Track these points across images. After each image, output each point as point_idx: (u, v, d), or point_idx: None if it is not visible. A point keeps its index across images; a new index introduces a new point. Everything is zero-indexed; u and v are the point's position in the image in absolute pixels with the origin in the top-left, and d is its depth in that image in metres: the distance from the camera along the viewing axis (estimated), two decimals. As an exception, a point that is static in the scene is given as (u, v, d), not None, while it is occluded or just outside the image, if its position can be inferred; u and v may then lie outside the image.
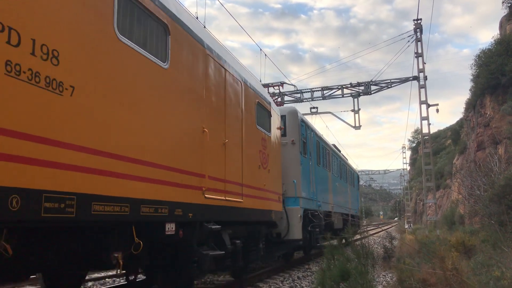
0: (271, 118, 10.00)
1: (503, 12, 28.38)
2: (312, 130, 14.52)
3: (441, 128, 73.84)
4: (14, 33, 3.25)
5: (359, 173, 41.47)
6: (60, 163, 3.61)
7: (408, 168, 72.81)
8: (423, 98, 23.08)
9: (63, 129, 3.67)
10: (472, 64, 26.87)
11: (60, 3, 3.76)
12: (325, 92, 25.74)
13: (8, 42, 3.20)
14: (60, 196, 3.59)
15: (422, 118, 23.36)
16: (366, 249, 8.41)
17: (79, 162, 3.83)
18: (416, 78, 23.40)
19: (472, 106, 27.98)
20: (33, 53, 3.40)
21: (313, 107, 25.68)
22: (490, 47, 25.56)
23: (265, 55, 17.65)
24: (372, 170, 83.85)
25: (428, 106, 23.10)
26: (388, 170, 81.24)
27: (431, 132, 25.85)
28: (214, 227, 6.47)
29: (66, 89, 3.72)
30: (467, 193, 18.42)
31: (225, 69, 7.31)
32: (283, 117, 11.85)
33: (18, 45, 3.28)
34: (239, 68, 8.26)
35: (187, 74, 5.98)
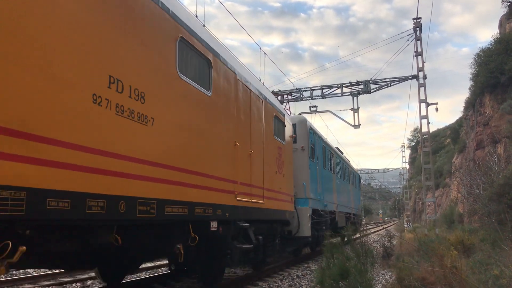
0: (285, 128, 11.20)
1: (503, 11, 28.37)
2: (319, 136, 15.68)
3: (441, 127, 73.88)
4: (120, 83, 4.42)
5: (359, 172, 41.49)
6: (147, 177, 4.79)
7: (408, 167, 72.84)
8: (422, 97, 23.06)
9: (148, 151, 4.86)
10: (472, 63, 26.87)
11: (145, 54, 4.95)
12: (324, 91, 25.72)
13: (117, 90, 4.36)
14: (147, 201, 4.75)
15: (422, 117, 23.35)
16: (366, 247, 8.42)
17: (159, 175, 5.03)
18: (415, 77, 23.38)
19: (471, 105, 27.97)
20: (130, 96, 4.58)
21: (313, 106, 25.71)
22: (489, 46, 25.56)
23: (265, 53, 17.63)
24: (371, 169, 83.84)
25: (428, 105, 23.08)
26: (388, 169, 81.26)
27: (431, 131, 25.84)
28: (244, 224, 7.82)
29: (149, 120, 4.91)
30: (466, 192, 18.44)
31: (250, 89, 8.50)
32: (293, 126, 12.86)
33: (122, 91, 4.45)
34: (259, 86, 9.59)
35: (224, 98, 7.19)
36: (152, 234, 5.75)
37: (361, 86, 24.75)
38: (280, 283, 9.66)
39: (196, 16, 9.48)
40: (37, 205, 3.35)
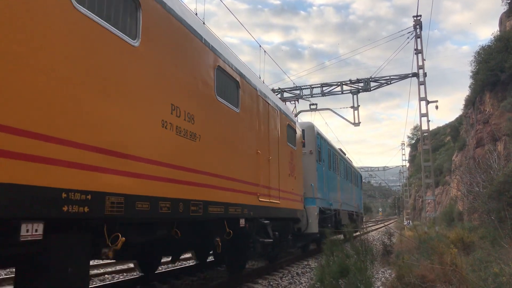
0: (296, 134, 12.33)
1: (503, 8, 28.32)
2: (325, 140, 16.92)
3: (441, 124, 73.86)
4: (178, 109, 5.52)
5: (359, 170, 41.56)
6: (197, 183, 5.96)
7: (407, 165, 72.83)
8: (422, 95, 23.01)
9: (197, 162, 5.99)
10: (472, 60, 26.86)
11: (193, 83, 6.07)
12: (324, 88, 25.64)
13: (176, 115, 5.46)
14: (197, 202, 5.89)
15: (422, 115, 23.30)
16: (365, 245, 8.41)
17: (204, 181, 6.19)
18: (415, 74, 23.34)
19: (471, 103, 27.98)
20: (184, 119, 5.68)
21: (312, 104, 25.67)
22: (489, 43, 25.53)
23: (265, 51, 17.60)
24: (371, 167, 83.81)
25: (428, 102, 23.04)
26: (387, 166, 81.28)
27: (431, 129, 25.79)
28: (265, 221, 9.07)
29: (197, 137, 6.03)
30: (466, 189, 18.46)
31: (268, 103, 9.63)
32: (302, 131, 13.86)
33: (179, 116, 5.56)
34: (275, 99, 10.80)
35: (249, 113, 8.33)
36: (198, 230, 6.97)
37: (361, 84, 24.70)
38: (280, 280, 9.66)
39: (196, 14, 9.46)
40: (131, 207, 4.44)
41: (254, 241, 8.58)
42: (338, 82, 25.36)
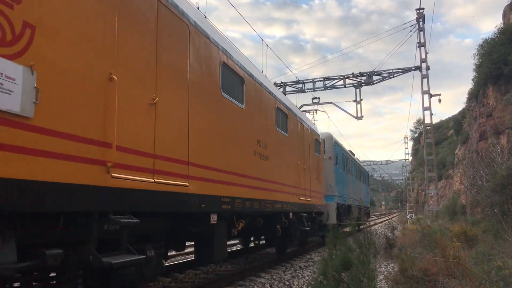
0: (320, 145, 15.30)
1: (507, 1, 28.04)
2: (340, 146, 20.19)
3: (443, 118, 73.61)
4: (260, 141, 8.42)
5: (362, 163, 41.61)
6: (268, 188, 8.75)
7: (410, 158, 72.71)
8: (425, 88, 22.96)
9: (268, 175, 8.82)
10: (475, 53, 26.67)
11: (266, 121, 9.02)
12: (327, 82, 25.60)
13: (259, 146, 8.40)
14: (269, 201, 8.73)
15: (424, 108, 23.25)
16: (368, 239, 8.42)
17: (272, 187, 9.01)
18: (418, 68, 23.27)
19: (474, 96, 27.82)
20: (263, 147, 8.55)
21: (315, 98, 25.63)
22: (493, 36, 25.34)
23: (267, 45, 17.55)
24: (374, 161, 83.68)
25: (431, 96, 22.99)
26: (390, 160, 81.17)
27: (433, 122, 25.72)
28: (304, 214, 12.05)
29: (268, 158, 8.87)
30: (469, 183, 18.40)
31: (303, 124, 12.60)
32: (323, 140, 16.56)
33: (260, 146, 8.38)
34: (306, 119, 13.75)
35: (292, 135, 11.23)
36: (268, 220, 9.60)
37: (364, 78, 24.66)
38: (283, 274, 9.70)
39: (198, 8, 9.46)
40: (243, 205, 7.27)
41: (295, 229, 11.25)
42: (341, 75, 25.35)
